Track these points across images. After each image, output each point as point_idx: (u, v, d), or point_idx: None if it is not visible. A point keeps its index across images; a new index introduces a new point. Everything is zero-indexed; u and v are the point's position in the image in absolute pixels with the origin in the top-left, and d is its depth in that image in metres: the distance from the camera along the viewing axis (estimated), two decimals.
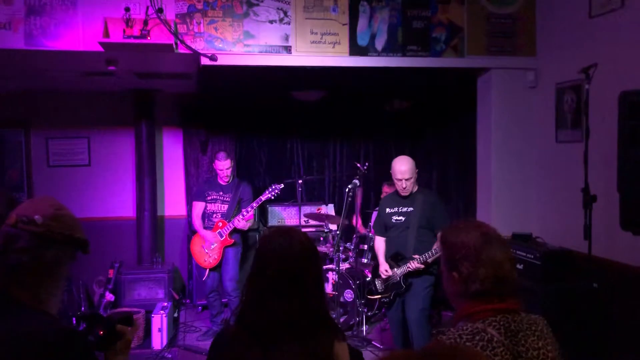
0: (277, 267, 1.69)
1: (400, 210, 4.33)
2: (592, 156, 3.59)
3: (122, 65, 4.78)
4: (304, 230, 6.15)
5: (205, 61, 4.41)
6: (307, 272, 1.71)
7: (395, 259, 4.30)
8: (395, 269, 4.26)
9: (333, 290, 5.48)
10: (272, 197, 5.43)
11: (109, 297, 5.51)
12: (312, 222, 6.37)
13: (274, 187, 5.37)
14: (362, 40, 4.66)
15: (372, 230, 5.46)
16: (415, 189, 4.33)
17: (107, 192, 6.69)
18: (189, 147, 6.81)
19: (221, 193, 5.47)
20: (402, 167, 4.23)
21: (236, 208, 5.44)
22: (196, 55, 4.38)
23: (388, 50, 4.71)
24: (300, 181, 5.99)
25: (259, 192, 5.58)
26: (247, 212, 5.30)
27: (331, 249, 5.70)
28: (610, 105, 3.61)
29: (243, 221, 5.32)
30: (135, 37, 4.07)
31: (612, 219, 3.57)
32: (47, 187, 6.49)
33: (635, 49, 3.82)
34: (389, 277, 4.30)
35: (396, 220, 4.33)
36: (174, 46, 4.29)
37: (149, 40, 4.10)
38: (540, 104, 4.90)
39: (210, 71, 4.76)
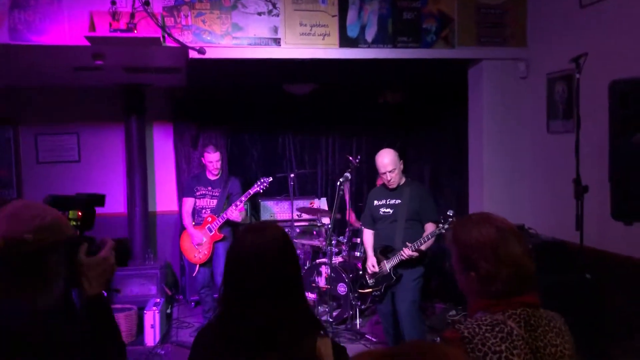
0: (252, 269, 1.58)
1: (388, 203, 4.29)
2: (583, 146, 3.57)
3: (110, 60, 4.72)
4: (296, 224, 6.17)
5: (193, 54, 4.35)
6: (284, 271, 1.61)
7: (384, 252, 4.27)
8: (385, 262, 4.23)
9: (326, 284, 5.46)
10: (261, 191, 5.39)
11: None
12: (305, 216, 6.34)
13: (262, 180, 5.33)
14: (352, 32, 4.62)
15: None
16: (403, 181, 4.29)
17: (98, 188, 6.62)
18: (179, 142, 6.76)
19: (210, 188, 5.43)
20: (384, 160, 4.19)
21: (225, 203, 5.40)
22: (184, 48, 4.33)
23: (378, 41, 4.67)
24: (292, 175, 5.96)
25: (250, 186, 5.55)
26: (237, 205, 5.26)
27: (324, 243, 5.68)
28: (601, 95, 3.58)
29: (236, 211, 5.27)
30: (122, 31, 4.01)
31: (603, 210, 3.55)
32: (36, 184, 6.43)
33: (625, 38, 3.79)
34: (376, 272, 4.27)
35: (384, 212, 4.30)
36: (162, 39, 4.23)
37: (136, 33, 4.04)
38: (532, 95, 4.88)
39: (199, 64, 4.70)
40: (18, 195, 6.39)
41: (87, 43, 4.11)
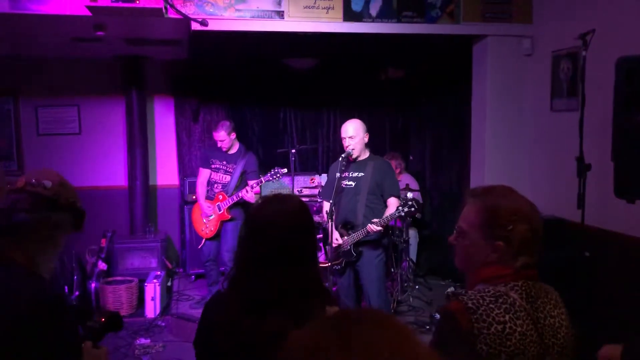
0: (270, 234, 1.64)
1: (350, 175, 4.27)
2: (587, 125, 3.55)
3: (111, 31, 4.68)
4: None
5: (195, 26, 4.31)
6: (299, 240, 1.67)
7: (345, 227, 4.24)
8: (346, 238, 4.21)
9: (326, 260, 5.48)
10: (273, 181, 5.31)
11: (102, 266, 5.51)
12: (305, 191, 6.34)
13: (277, 170, 5.14)
14: (357, 6, 4.56)
15: None
16: (367, 155, 4.30)
17: (99, 160, 6.63)
18: (180, 116, 6.73)
19: (225, 162, 5.37)
20: (347, 126, 4.23)
21: (239, 180, 5.35)
22: (186, 20, 4.28)
23: (383, 15, 4.62)
24: (293, 151, 5.93)
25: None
26: (253, 187, 5.16)
27: (325, 219, 5.69)
28: (607, 73, 3.55)
29: (251, 192, 5.13)
30: (124, 1, 3.95)
31: (605, 188, 3.55)
32: (37, 156, 6.42)
33: (633, 15, 3.75)
34: (339, 246, 4.25)
35: (346, 185, 4.27)
36: (164, 10, 4.17)
37: (138, 4, 3.98)
38: (536, 72, 4.84)
39: (201, 37, 4.66)
40: (19, 168, 6.38)
41: (88, 13, 4.06)
